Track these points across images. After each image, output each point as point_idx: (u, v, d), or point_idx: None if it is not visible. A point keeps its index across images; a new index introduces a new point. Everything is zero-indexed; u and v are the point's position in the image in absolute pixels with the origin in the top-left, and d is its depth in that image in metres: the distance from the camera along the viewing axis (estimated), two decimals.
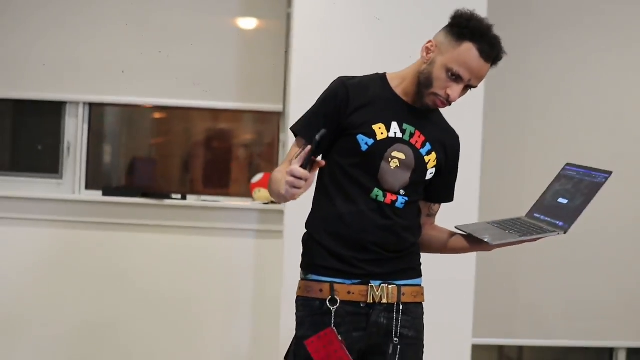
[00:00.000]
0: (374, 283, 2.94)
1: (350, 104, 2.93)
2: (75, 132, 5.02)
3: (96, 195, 4.93)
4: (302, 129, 2.99)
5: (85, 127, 5.03)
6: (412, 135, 2.93)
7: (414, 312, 2.99)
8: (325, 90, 3.00)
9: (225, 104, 5.05)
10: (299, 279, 3.04)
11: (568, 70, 5.31)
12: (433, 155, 2.96)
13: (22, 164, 5.04)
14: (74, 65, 4.96)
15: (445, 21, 2.93)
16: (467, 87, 2.89)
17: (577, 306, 5.32)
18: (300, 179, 2.69)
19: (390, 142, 2.91)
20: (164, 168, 5.26)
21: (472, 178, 4.61)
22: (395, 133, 2.92)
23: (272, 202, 4.87)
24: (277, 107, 5.04)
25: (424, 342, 3.06)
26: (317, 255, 2.98)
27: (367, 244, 2.93)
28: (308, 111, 3.02)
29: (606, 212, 5.29)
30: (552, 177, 3.03)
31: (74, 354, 4.85)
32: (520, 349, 5.56)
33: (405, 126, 2.94)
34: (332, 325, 2.90)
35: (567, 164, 3.03)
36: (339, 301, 2.92)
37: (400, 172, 2.92)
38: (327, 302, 2.92)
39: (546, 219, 2.98)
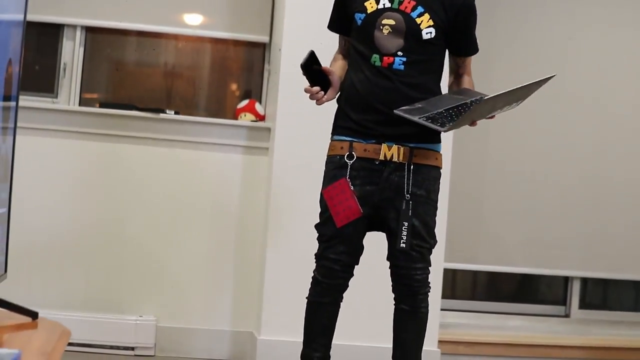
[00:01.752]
0: (388, 144, 3.28)
1: None
2: (71, 54, 5.17)
3: (93, 109, 5.07)
4: (329, 23, 3.52)
5: (81, 50, 5.18)
6: (400, 2, 3.30)
7: (425, 173, 3.31)
8: None
9: (214, 32, 5.25)
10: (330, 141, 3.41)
11: None
12: (426, 16, 3.29)
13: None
14: None
15: None
16: None
17: (536, 236, 5.59)
18: (313, 93, 3.23)
19: (380, 12, 3.30)
20: (158, 87, 5.40)
21: None
22: (384, 4, 3.31)
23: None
24: (264, 38, 5.27)
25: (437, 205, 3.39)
26: (339, 118, 3.37)
27: (375, 104, 3.28)
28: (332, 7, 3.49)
29: (565, 146, 5.64)
30: None
31: (67, 253, 4.96)
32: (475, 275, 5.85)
33: None
34: (347, 177, 3.24)
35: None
36: (355, 156, 3.27)
37: (393, 37, 3.29)
38: (345, 157, 3.27)
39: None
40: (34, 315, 2.73)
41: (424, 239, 3.31)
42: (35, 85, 5.22)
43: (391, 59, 3.27)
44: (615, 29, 5.70)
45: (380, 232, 3.41)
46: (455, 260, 5.41)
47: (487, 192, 5.57)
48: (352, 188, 3.23)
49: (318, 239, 3.36)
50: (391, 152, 3.27)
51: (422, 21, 3.29)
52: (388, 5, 3.30)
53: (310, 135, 4.61)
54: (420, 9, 3.30)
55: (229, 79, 5.47)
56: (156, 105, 5.17)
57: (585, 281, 5.78)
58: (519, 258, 5.61)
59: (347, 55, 3.46)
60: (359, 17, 3.31)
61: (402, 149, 3.28)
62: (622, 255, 5.67)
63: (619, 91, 5.71)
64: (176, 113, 5.11)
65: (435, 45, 3.34)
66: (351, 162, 3.26)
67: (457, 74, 3.50)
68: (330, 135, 3.44)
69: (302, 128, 4.78)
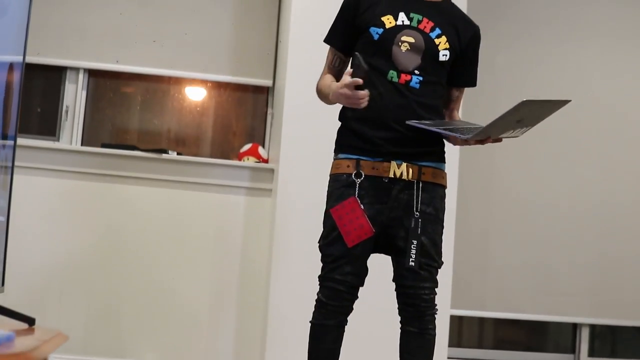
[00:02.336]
0: (397, 162, 3.23)
1: (361, 5, 3.32)
2: (74, 97, 5.17)
3: (96, 149, 5.05)
4: (329, 37, 3.41)
5: (84, 93, 5.18)
6: (419, 22, 3.28)
7: (433, 191, 3.26)
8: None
9: (217, 76, 5.27)
10: (333, 160, 3.33)
11: None
12: (444, 38, 3.28)
13: (20, 125, 5.12)
14: (76, 33, 5.13)
15: None
16: None
17: (544, 283, 5.51)
18: (364, 97, 3.13)
19: (399, 29, 3.26)
20: (160, 131, 5.40)
21: None
22: (402, 21, 3.28)
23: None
24: (267, 82, 5.27)
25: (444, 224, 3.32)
26: (345, 137, 3.30)
27: (387, 121, 3.23)
28: (333, 21, 3.41)
29: (573, 192, 5.59)
30: None
31: (67, 295, 4.90)
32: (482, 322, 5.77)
33: (412, 15, 3.29)
34: (356, 195, 3.18)
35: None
36: (363, 175, 3.21)
37: (411, 55, 3.25)
38: (353, 176, 3.21)
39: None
40: (31, 321, 2.66)
41: (433, 258, 3.24)
42: (37, 128, 5.23)
43: (409, 76, 3.24)
44: (619, 66, 5.73)
45: (383, 255, 3.33)
46: (461, 306, 5.32)
47: (494, 238, 5.51)
48: (361, 207, 3.18)
49: (323, 259, 3.27)
50: (400, 170, 3.22)
51: (440, 42, 3.28)
52: (407, 22, 3.28)
53: (313, 176, 4.54)
54: (438, 31, 3.28)
55: (231, 123, 5.45)
56: (161, 142, 5.15)
57: (594, 328, 5.69)
58: (527, 305, 5.52)
59: (338, 76, 3.37)
60: (376, 31, 3.26)
61: (410, 167, 3.23)
62: (631, 301, 5.59)
63: (628, 132, 5.70)
64: (179, 154, 5.08)
65: (445, 69, 3.32)
66: (359, 180, 3.21)
67: (449, 108, 3.46)
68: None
69: (305, 169, 4.74)
